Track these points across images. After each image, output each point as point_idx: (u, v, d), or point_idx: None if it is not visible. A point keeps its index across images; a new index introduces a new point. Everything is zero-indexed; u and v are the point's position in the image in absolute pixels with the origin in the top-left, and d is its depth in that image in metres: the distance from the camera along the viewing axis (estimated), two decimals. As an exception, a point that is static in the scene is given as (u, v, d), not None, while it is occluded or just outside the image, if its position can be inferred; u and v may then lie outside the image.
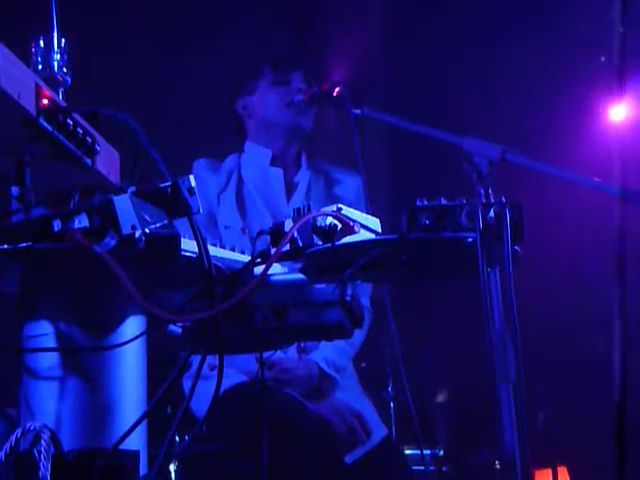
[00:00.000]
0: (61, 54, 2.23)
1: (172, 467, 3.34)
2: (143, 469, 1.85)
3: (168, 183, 1.75)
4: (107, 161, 2.08)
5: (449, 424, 5.74)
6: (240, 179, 3.76)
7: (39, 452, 1.74)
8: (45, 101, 1.83)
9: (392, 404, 4.88)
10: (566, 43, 5.45)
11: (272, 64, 3.76)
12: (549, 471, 4.82)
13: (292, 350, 3.50)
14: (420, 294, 5.11)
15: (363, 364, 4.39)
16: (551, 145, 4.64)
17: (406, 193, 2.13)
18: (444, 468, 4.92)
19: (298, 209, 1.93)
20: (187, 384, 3.44)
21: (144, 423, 1.85)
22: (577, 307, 5.39)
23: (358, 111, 3.16)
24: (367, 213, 2.01)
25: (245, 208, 3.69)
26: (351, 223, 1.91)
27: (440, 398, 5.97)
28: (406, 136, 3.13)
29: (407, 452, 4.28)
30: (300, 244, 1.90)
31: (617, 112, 5.15)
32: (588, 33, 5.23)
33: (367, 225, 1.96)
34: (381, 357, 4.87)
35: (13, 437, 1.77)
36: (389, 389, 4.93)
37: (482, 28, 5.55)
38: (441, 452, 4.87)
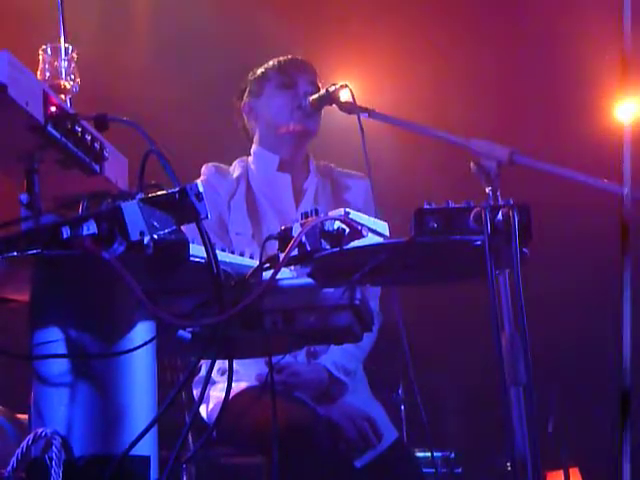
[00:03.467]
0: (68, 61, 2.24)
1: (184, 472, 3.34)
2: (154, 474, 1.85)
3: (176, 189, 1.75)
4: (116, 167, 2.09)
5: (461, 426, 5.74)
6: (249, 185, 3.74)
7: (50, 458, 1.75)
8: (53, 108, 1.84)
9: (403, 406, 4.88)
10: (570, 41, 5.45)
11: (277, 67, 3.74)
12: (561, 473, 4.82)
13: (301, 354, 3.50)
14: (431, 296, 5.11)
15: (373, 367, 4.39)
16: (557, 146, 4.64)
17: (414, 196, 2.13)
18: (457, 470, 4.92)
19: (306, 213, 1.93)
20: (199, 388, 3.44)
21: (155, 428, 1.85)
22: (589, 309, 5.38)
23: (366, 114, 3.16)
24: (376, 217, 2.02)
25: (255, 215, 3.67)
26: (359, 227, 1.92)
27: (452, 400, 5.97)
28: (413, 139, 3.13)
29: (419, 455, 4.28)
30: (308, 248, 1.90)
31: (624, 111, 5.13)
32: (592, 31, 5.22)
33: (375, 229, 1.97)
34: (391, 360, 4.86)
35: (24, 443, 1.77)
36: (399, 392, 4.93)
37: (484, 27, 5.57)
38: (452, 455, 4.87)
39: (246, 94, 3.80)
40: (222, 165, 3.78)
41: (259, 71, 3.78)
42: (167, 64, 5.30)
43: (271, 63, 3.76)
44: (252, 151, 3.80)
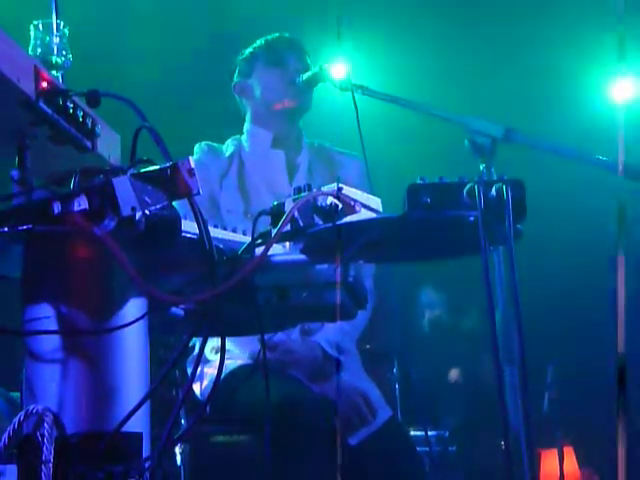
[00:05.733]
0: (60, 37, 2.22)
1: (177, 449, 3.35)
2: (146, 451, 1.85)
3: (168, 164, 1.74)
4: (108, 144, 2.07)
5: (456, 405, 5.75)
6: (241, 162, 3.74)
7: (42, 435, 1.74)
8: (44, 84, 1.83)
9: (397, 385, 4.88)
10: (568, 19, 5.44)
11: (265, 45, 3.74)
12: (555, 451, 4.82)
13: (295, 332, 3.50)
14: (427, 275, 5.12)
15: (368, 346, 4.39)
16: (553, 123, 4.64)
17: (408, 172, 2.12)
18: (450, 448, 4.93)
19: (299, 188, 1.92)
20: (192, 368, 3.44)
21: (147, 405, 1.85)
22: (586, 286, 5.38)
23: (359, 91, 3.14)
24: (370, 193, 2.01)
25: (247, 192, 3.68)
26: (352, 203, 1.91)
27: (447, 379, 5.98)
28: (408, 116, 3.12)
29: (413, 433, 4.29)
30: (301, 224, 1.89)
31: (619, 90, 5.13)
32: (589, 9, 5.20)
33: (368, 205, 1.96)
34: (386, 339, 4.86)
35: (16, 420, 1.77)
36: (394, 370, 4.93)
37: (481, 4, 5.56)
38: (446, 433, 4.88)
39: (236, 74, 3.80)
40: (214, 144, 3.78)
41: (247, 51, 3.78)
42: (159, 42, 5.29)
43: (259, 42, 3.76)
44: (245, 129, 3.80)
